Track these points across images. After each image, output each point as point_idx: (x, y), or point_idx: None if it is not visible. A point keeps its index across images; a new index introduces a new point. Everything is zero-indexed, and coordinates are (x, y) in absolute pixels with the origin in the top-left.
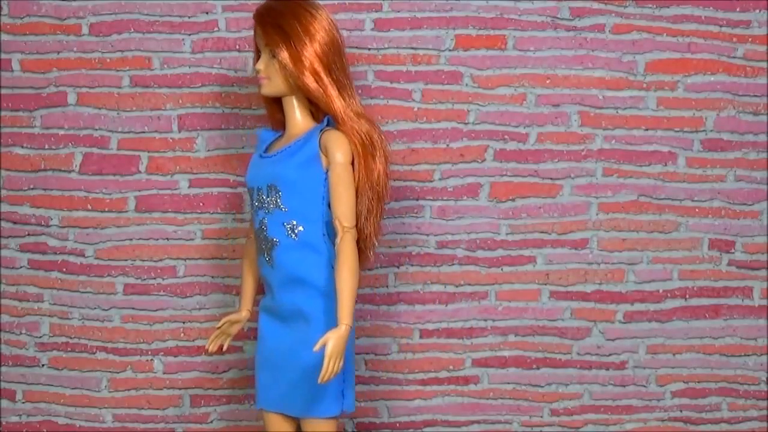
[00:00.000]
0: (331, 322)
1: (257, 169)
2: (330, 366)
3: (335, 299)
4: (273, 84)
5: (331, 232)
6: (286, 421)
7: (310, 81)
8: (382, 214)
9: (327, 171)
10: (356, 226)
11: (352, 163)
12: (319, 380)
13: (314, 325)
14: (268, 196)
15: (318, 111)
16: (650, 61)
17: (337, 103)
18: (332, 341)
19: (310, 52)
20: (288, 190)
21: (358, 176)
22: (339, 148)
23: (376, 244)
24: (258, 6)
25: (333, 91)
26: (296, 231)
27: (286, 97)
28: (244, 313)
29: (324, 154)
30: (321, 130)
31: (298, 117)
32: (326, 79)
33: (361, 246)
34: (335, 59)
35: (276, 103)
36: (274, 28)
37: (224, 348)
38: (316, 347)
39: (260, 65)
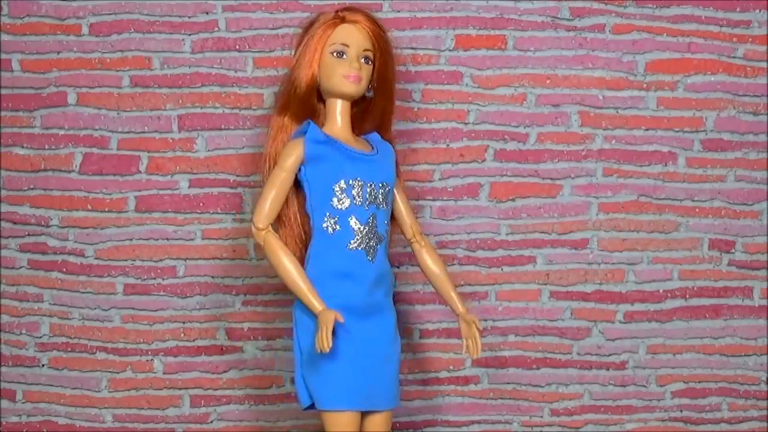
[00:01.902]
0: (393, 313)
1: (362, 164)
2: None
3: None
4: (362, 87)
5: None
6: (359, 419)
7: (393, 98)
8: None
9: None
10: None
11: None
12: (477, 356)
13: (389, 317)
14: (380, 193)
15: (362, 122)
16: (650, 61)
17: (392, 129)
18: (478, 322)
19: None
20: (390, 190)
21: None
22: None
23: None
24: (355, 8)
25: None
26: (389, 228)
27: (340, 100)
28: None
29: None
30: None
31: (339, 121)
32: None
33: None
34: None
35: (313, 102)
36: (381, 40)
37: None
38: (480, 327)
39: (358, 66)
